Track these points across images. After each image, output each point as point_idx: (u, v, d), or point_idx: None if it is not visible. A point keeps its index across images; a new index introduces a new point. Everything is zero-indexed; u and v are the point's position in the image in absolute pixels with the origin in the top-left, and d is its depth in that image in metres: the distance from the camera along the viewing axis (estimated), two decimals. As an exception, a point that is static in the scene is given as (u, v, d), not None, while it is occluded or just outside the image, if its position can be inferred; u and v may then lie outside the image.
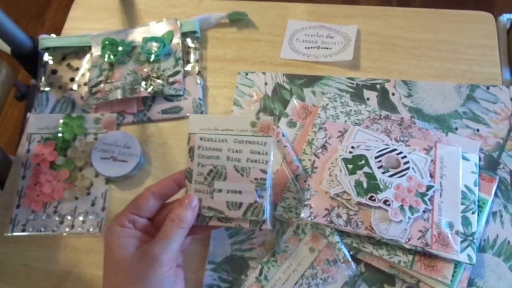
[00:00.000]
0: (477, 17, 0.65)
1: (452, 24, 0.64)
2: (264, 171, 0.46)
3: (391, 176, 0.50)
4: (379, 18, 0.66)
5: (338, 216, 0.49)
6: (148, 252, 0.42)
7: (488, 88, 0.58)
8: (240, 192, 0.46)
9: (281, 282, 0.49)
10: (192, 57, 0.64)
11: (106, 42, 0.64)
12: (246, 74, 0.62)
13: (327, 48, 0.63)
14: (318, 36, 0.65)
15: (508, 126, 0.56)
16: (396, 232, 0.48)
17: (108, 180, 0.57)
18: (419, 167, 0.50)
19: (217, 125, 0.47)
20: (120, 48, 0.63)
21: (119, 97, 0.60)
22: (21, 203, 0.56)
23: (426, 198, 0.49)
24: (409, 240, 0.47)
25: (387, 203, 0.48)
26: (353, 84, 0.60)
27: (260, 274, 0.49)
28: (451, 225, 0.48)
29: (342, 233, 0.50)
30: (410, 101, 0.58)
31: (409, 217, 0.48)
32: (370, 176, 0.50)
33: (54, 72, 0.65)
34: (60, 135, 0.59)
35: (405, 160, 0.51)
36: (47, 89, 0.64)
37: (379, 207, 0.48)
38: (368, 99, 0.59)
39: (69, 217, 0.55)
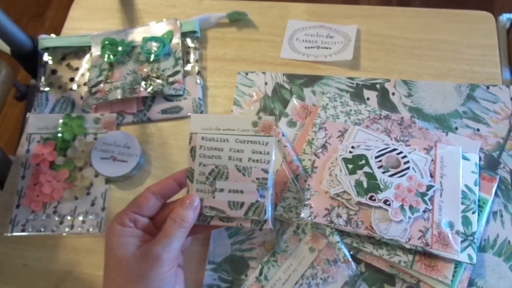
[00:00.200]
0: (477, 17, 0.65)
1: (452, 24, 0.64)
2: (266, 171, 0.46)
3: (391, 176, 0.50)
4: (379, 18, 0.66)
5: (338, 216, 0.49)
6: (149, 251, 0.42)
7: (488, 87, 0.58)
8: (241, 191, 0.46)
9: (281, 282, 0.49)
10: (192, 57, 0.64)
11: (106, 42, 0.64)
12: (246, 74, 0.62)
13: (327, 48, 0.63)
14: (318, 36, 0.65)
15: (508, 126, 0.56)
16: (396, 232, 0.47)
17: (108, 180, 0.57)
18: (419, 166, 0.50)
19: (218, 124, 0.47)
20: (120, 48, 0.63)
21: (119, 97, 0.60)
22: (21, 203, 0.56)
23: (426, 198, 0.49)
24: (409, 240, 0.47)
25: (387, 203, 0.48)
26: (353, 83, 0.60)
27: (260, 274, 0.49)
28: (451, 225, 0.48)
29: (342, 233, 0.50)
30: (410, 101, 0.58)
31: (409, 217, 0.48)
32: (370, 176, 0.50)
33: (53, 72, 0.65)
34: (59, 135, 0.59)
35: (405, 160, 0.51)
36: (46, 89, 0.64)
37: (379, 207, 0.48)
38: (368, 98, 0.59)
39: (69, 217, 0.55)
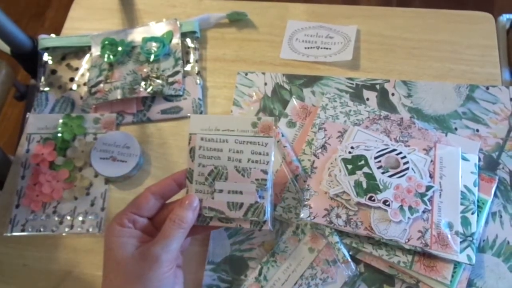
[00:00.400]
0: (476, 17, 0.65)
1: (452, 24, 0.64)
2: (265, 172, 0.46)
3: (390, 176, 0.50)
4: (379, 18, 0.66)
5: (338, 216, 0.49)
6: (148, 252, 0.42)
7: (487, 88, 0.58)
8: (241, 192, 0.46)
9: (281, 282, 0.49)
10: (191, 57, 0.64)
11: (106, 42, 0.64)
12: (246, 74, 0.62)
13: (327, 48, 0.64)
14: (317, 36, 0.65)
15: (507, 127, 0.56)
16: (395, 232, 0.48)
17: (108, 180, 0.57)
18: (419, 167, 0.51)
19: (218, 125, 0.47)
20: (119, 48, 0.63)
21: (119, 97, 0.60)
22: (21, 203, 0.56)
23: (425, 199, 0.49)
24: (408, 240, 0.47)
25: (387, 203, 0.48)
26: (352, 84, 0.60)
27: (260, 274, 0.49)
28: (450, 226, 0.48)
29: (341, 233, 0.50)
30: (410, 101, 0.58)
31: (408, 218, 0.48)
32: (370, 176, 0.50)
33: (53, 72, 0.65)
34: (59, 135, 0.59)
35: (404, 160, 0.51)
36: (46, 89, 0.64)
37: (379, 207, 0.48)
38: (367, 99, 0.59)
39: (68, 217, 0.55)
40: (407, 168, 0.50)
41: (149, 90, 0.60)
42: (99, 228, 0.55)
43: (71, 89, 0.64)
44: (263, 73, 0.62)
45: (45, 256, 0.54)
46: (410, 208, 0.48)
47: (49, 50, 0.66)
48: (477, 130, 0.56)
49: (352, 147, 0.52)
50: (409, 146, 0.52)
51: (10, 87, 0.78)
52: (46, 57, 0.66)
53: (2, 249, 0.55)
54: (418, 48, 0.63)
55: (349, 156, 0.52)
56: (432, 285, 0.47)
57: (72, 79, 0.64)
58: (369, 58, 0.63)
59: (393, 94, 0.59)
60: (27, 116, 0.61)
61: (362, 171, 0.50)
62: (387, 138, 0.53)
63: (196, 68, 0.63)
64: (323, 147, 0.54)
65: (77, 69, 0.65)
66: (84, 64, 0.65)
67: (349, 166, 0.51)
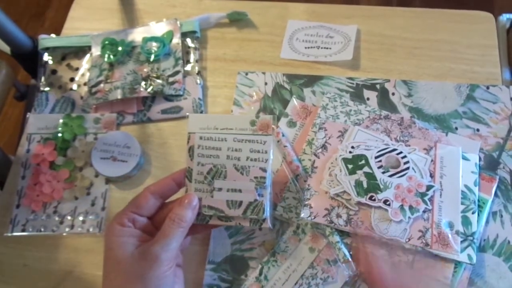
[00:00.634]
0: (477, 17, 0.65)
1: (452, 24, 0.64)
2: (264, 170, 0.46)
3: (391, 176, 0.50)
4: (379, 18, 0.66)
5: (338, 216, 0.49)
6: (148, 251, 0.42)
7: (488, 88, 0.58)
8: (240, 190, 0.46)
9: (281, 282, 0.49)
10: (192, 57, 0.64)
11: (106, 42, 0.64)
12: (246, 74, 0.62)
13: (327, 48, 0.64)
14: (318, 36, 0.65)
15: (508, 126, 0.56)
16: (396, 232, 0.48)
17: (108, 180, 0.57)
18: (419, 167, 0.50)
19: (216, 124, 0.47)
20: (120, 48, 0.63)
21: (119, 97, 0.60)
22: (21, 203, 0.56)
23: (426, 198, 0.49)
24: (409, 240, 0.47)
25: (387, 203, 0.48)
26: (353, 84, 0.60)
27: (260, 274, 0.49)
28: (451, 225, 0.48)
29: (342, 233, 0.50)
30: (410, 101, 0.58)
31: (409, 217, 0.48)
32: (370, 176, 0.50)
33: (54, 72, 0.65)
34: (60, 135, 0.59)
35: (405, 160, 0.51)
36: (47, 89, 0.64)
37: (379, 207, 0.48)
38: (368, 99, 0.59)
39: (69, 217, 0.55)
40: (408, 168, 0.50)
41: (149, 90, 0.60)
42: (99, 228, 0.55)
43: (71, 89, 0.64)
44: (264, 73, 0.62)
45: (45, 256, 0.54)
46: (410, 207, 0.48)
47: (49, 50, 0.66)
48: (478, 130, 0.56)
49: (352, 147, 0.52)
50: (409, 145, 0.52)
51: (10, 87, 0.78)
52: (46, 57, 0.66)
53: (2, 249, 0.55)
54: (419, 48, 0.63)
55: (349, 156, 0.51)
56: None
57: (72, 79, 0.64)
58: (369, 57, 0.63)
59: (393, 94, 0.59)
60: (27, 116, 0.61)
61: (362, 170, 0.50)
62: (387, 138, 0.53)
63: (197, 68, 0.63)
64: (324, 146, 0.54)
65: (77, 69, 0.65)
66: (84, 64, 0.65)
67: (350, 166, 0.51)
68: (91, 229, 0.55)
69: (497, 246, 0.50)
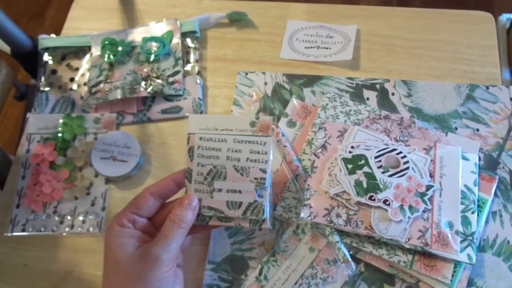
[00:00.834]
0: (477, 17, 0.65)
1: (452, 24, 0.64)
2: (264, 171, 0.46)
3: (390, 176, 0.50)
4: (379, 18, 0.66)
5: (338, 215, 0.49)
6: (148, 252, 0.42)
7: (487, 88, 0.58)
8: (240, 191, 0.46)
9: (281, 282, 0.49)
10: (192, 57, 0.64)
11: (106, 42, 0.64)
12: (246, 74, 0.62)
13: (327, 48, 0.64)
14: (317, 36, 0.65)
15: (507, 126, 0.56)
16: (395, 232, 0.48)
17: (108, 180, 0.57)
18: (419, 167, 0.51)
19: (216, 125, 0.47)
20: (119, 48, 0.63)
21: (119, 97, 0.60)
22: (21, 203, 0.56)
23: (425, 198, 0.49)
24: (408, 239, 0.47)
25: (387, 202, 0.48)
26: (352, 84, 0.60)
27: (260, 274, 0.49)
28: (450, 225, 0.48)
29: (341, 233, 0.50)
30: (410, 101, 0.58)
31: (408, 217, 0.48)
32: (370, 176, 0.50)
33: (53, 72, 0.65)
34: (60, 135, 0.59)
35: (404, 160, 0.51)
36: (47, 89, 0.64)
37: (379, 207, 0.48)
38: (367, 99, 0.59)
39: (69, 217, 0.55)
40: (407, 168, 0.50)
41: (149, 90, 0.60)
42: (99, 228, 0.55)
43: (71, 89, 0.64)
44: (263, 73, 0.62)
45: (45, 256, 0.54)
46: (410, 207, 0.48)
47: (49, 50, 0.66)
48: (477, 130, 0.56)
49: (352, 147, 0.52)
50: (409, 145, 0.52)
51: (10, 87, 0.79)
52: (46, 57, 0.66)
53: (2, 249, 0.55)
54: (418, 48, 0.63)
55: (349, 156, 0.52)
56: (432, 285, 0.47)
57: (72, 79, 0.64)
58: (369, 57, 0.63)
59: (393, 94, 0.59)
60: (27, 116, 0.61)
61: (362, 170, 0.50)
62: (387, 138, 0.53)
63: (196, 68, 0.63)
64: (323, 146, 0.54)
65: (77, 69, 0.65)
66: (84, 64, 0.65)
67: (349, 166, 0.51)
68: (91, 229, 0.55)
69: (497, 246, 0.50)
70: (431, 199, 0.49)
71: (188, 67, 0.64)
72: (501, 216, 0.51)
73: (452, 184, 0.50)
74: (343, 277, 0.48)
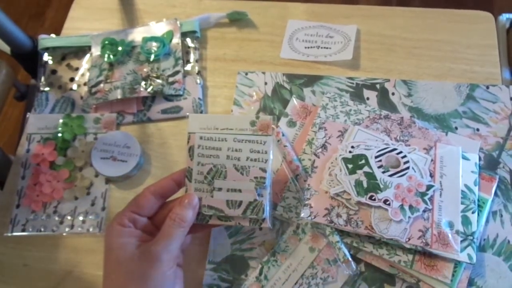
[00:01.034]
0: (476, 17, 0.65)
1: (452, 24, 0.64)
2: (264, 170, 0.46)
3: (391, 175, 0.50)
4: (379, 18, 0.66)
5: (338, 215, 0.49)
6: (149, 251, 0.42)
7: (487, 87, 0.58)
8: (240, 190, 0.46)
9: (281, 281, 0.49)
10: (192, 57, 0.64)
11: (106, 42, 0.64)
12: (246, 74, 0.62)
13: (327, 48, 0.64)
14: (317, 35, 0.65)
15: (507, 126, 0.56)
16: (396, 232, 0.48)
17: (108, 180, 0.57)
18: (419, 166, 0.51)
19: (216, 124, 0.47)
20: (119, 48, 0.63)
21: (119, 97, 0.60)
22: (21, 203, 0.56)
23: (426, 198, 0.49)
24: (409, 239, 0.47)
25: (387, 202, 0.48)
26: (353, 83, 0.60)
27: (260, 273, 0.49)
28: (451, 225, 0.48)
29: (342, 233, 0.50)
30: (410, 101, 0.58)
31: (409, 217, 0.48)
32: (370, 176, 0.50)
33: (53, 72, 0.65)
34: (60, 135, 0.59)
35: (405, 159, 0.51)
36: (46, 89, 0.64)
37: (379, 207, 0.48)
38: (368, 98, 0.59)
39: (69, 217, 0.55)
40: (408, 168, 0.50)
41: (149, 90, 0.60)
42: (99, 228, 0.55)
43: (71, 89, 0.64)
44: (263, 73, 0.62)
45: (45, 256, 0.54)
46: (410, 207, 0.48)
47: (49, 50, 0.66)
48: (478, 129, 0.56)
49: (352, 147, 0.52)
50: (409, 145, 0.52)
51: (10, 87, 0.79)
52: (46, 57, 0.66)
53: (2, 249, 0.55)
54: (418, 48, 0.63)
55: (349, 156, 0.52)
56: (433, 284, 0.47)
57: (72, 79, 0.64)
58: (369, 57, 0.63)
59: (393, 94, 0.59)
60: (27, 116, 0.61)
61: (362, 170, 0.50)
62: (387, 138, 0.53)
63: (196, 68, 0.63)
64: (324, 146, 0.54)
65: (77, 69, 0.65)
66: (84, 64, 0.65)
67: (350, 166, 0.51)
68: (91, 229, 0.55)
69: (497, 246, 0.50)
70: (431, 199, 0.49)
71: (188, 67, 0.64)
72: (501, 215, 0.51)
73: (452, 184, 0.50)
74: (343, 277, 0.48)
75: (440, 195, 0.49)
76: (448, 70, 0.61)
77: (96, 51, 0.64)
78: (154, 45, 0.63)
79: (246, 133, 0.47)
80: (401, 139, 0.53)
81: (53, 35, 0.67)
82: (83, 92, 0.63)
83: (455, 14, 0.65)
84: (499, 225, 0.51)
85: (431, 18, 0.65)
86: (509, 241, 0.50)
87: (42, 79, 0.65)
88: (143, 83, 0.61)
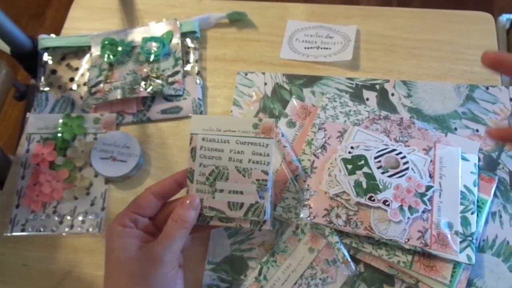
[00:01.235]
0: (476, 17, 0.65)
1: (452, 25, 0.64)
2: (266, 172, 0.46)
3: (390, 176, 0.50)
4: (379, 18, 0.66)
5: (338, 216, 0.49)
6: (151, 252, 0.42)
7: (487, 88, 0.58)
8: (241, 192, 0.46)
9: (281, 282, 0.49)
10: (191, 57, 0.64)
11: (106, 42, 0.64)
12: (246, 74, 0.62)
13: (327, 48, 0.64)
14: (317, 36, 0.65)
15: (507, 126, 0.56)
16: (395, 232, 0.48)
17: (108, 180, 0.57)
18: (419, 167, 0.51)
19: (219, 126, 0.48)
20: (119, 48, 0.63)
21: (119, 97, 0.60)
22: (21, 203, 0.56)
23: (425, 199, 0.49)
24: (408, 240, 0.47)
25: (387, 203, 0.48)
26: (352, 84, 0.60)
27: (260, 274, 0.49)
28: (450, 225, 0.48)
29: (341, 233, 0.50)
30: (410, 101, 0.58)
31: (408, 217, 0.48)
32: (370, 176, 0.50)
33: (53, 72, 0.65)
34: (59, 135, 0.59)
35: (404, 160, 0.51)
36: (46, 89, 0.64)
37: (379, 207, 0.48)
38: (367, 99, 0.59)
39: (68, 217, 0.55)
40: (407, 168, 0.50)
41: (149, 90, 0.60)
42: (99, 228, 0.55)
43: (71, 89, 0.64)
44: (263, 73, 0.62)
45: (45, 256, 0.54)
46: (410, 208, 0.48)
47: (49, 50, 0.66)
48: (477, 130, 0.56)
49: (352, 147, 0.52)
50: (409, 146, 0.52)
51: (10, 87, 0.79)
52: (46, 57, 0.66)
53: (2, 249, 0.55)
54: (418, 48, 0.63)
55: (349, 156, 0.52)
56: (432, 285, 0.47)
57: (72, 79, 0.64)
58: (369, 58, 0.63)
59: (393, 94, 0.59)
60: (27, 116, 0.61)
61: (362, 171, 0.50)
62: (387, 138, 0.53)
63: (196, 68, 0.63)
64: (323, 147, 0.54)
65: (77, 69, 0.65)
66: (84, 64, 0.65)
67: (349, 166, 0.51)
68: (90, 229, 0.55)
69: (496, 247, 0.50)
70: (430, 200, 0.49)
71: (188, 67, 0.64)
72: (500, 216, 0.51)
73: (451, 185, 0.50)
74: (342, 277, 0.48)
75: (440, 195, 0.49)
76: (448, 70, 0.61)
77: (96, 51, 0.64)
78: (154, 45, 0.63)
79: (249, 135, 0.47)
80: (401, 140, 0.53)
81: (53, 35, 0.67)
82: (83, 92, 0.63)
83: (455, 15, 0.65)
84: (498, 226, 0.51)
85: (431, 18, 0.65)
86: (508, 242, 0.50)
87: (42, 79, 0.65)
88: (143, 83, 0.61)
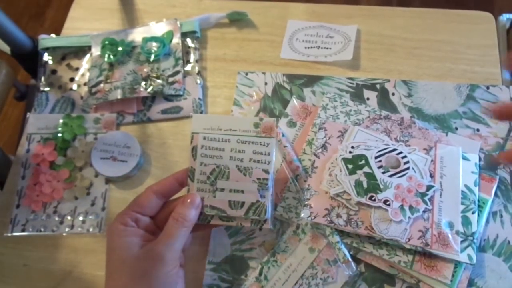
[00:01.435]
0: (477, 17, 0.65)
1: (452, 24, 0.64)
2: (266, 171, 0.46)
3: (391, 176, 0.50)
4: (379, 18, 0.66)
5: (338, 216, 0.49)
6: (153, 251, 0.42)
7: (488, 88, 0.58)
8: (242, 191, 0.46)
9: (281, 282, 0.49)
10: (192, 57, 0.64)
11: (106, 42, 0.64)
12: (246, 74, 0.62)
13: (327, 48, 0.64)
14: (318, 36, 0.65)
15: (508, 126, 0.56)
16: (396, 232, 0.48)
17: (108, 180, 0.57)
18: (419, 167, 0.51)
19: (220, 125, 0.48)
20: (120, 48, 0.63)
21: (119, 97, 0.60)
22: (21, 203, 0.56)
23: (426, 198, 0.49)
24: (409, 240, 0.47)
25: (387, 203, 0.48)
26: (353, 84, 0.60)
27: (260, 274, 0.49)
28: (451, 225, 0.48)
29: (342, 233, 0.50)
30: (410, 101, 0.58)
31: (409, 217, 0.48)
32: (370, 176, 0.50)
33: (53, 72, 0.65)
34: (60, 135, 0.59)
35: (405, 160, 0.51)
36: (46, 89, 0.64)
37: (379, 207, 0.48)
38: (368, 99, 0.59)
39: (69, 217, 0.55)
40: (408, 168, 0.50)
41: (149, 90, 0.60)
42: (99, 228, 0.55)
43: (71, 89, 0.64)
44: (264, 73, 0.62)
45: (45, 256, 0.54)
46: (410, 207, 0.48)
47: (49, 50, 0.66)
48: (478, 130, 0.56)
49: (352, 147, 0.52)
50: (409, 145, 0.52)
51: (10, 87, 0.78)
52: (46, 57, 0.66)
53: (2, 249, 0.55)
54: (418, 48, 0.63)
55: (349, 156, 0.52)
56: (433, 285, 0.47)
57: (72, 79, 0.64)
58: (369, 57, 0.63)
59: (393, 94, 0.59)
60: (27, 116, 0.61)
61: (362, 170, 0.50)
62: (387, 138, 0.53)
63: (197, 68, 0.63)
64: (324, 146, 0.54)
65: (77, 69, 0.65)
66: (84, 64, 0.65)
67: (350, 166, 0.51)
68: (91, 229, 0.55)
69: (497, 246, 0.50)
70: (431, 199, 0.49)
71: (188, 67, 0.63)
72: (501, 216, 0.51)
73: (452, 184, 0.50)
74: (343, 277, 0.48)
75: (440, 195, 0.49)
76: (448, 70, 0.61)
77: (96, 51, 0.64)
78: (154, 45, 0.63)
79: (250, 134, 0.47)
80: (401, 140, 0.53)
81: (53, 35, 0.67)
82: (83, 92, 0.63)
83: (456, 15, 0.65)
84: (499, 226, 0.51)
85: (431, 18, 0.65)
86: (509, 242, 0.50)
87: (42, 79, 0.65)
88: (143, 83, 0.61)
